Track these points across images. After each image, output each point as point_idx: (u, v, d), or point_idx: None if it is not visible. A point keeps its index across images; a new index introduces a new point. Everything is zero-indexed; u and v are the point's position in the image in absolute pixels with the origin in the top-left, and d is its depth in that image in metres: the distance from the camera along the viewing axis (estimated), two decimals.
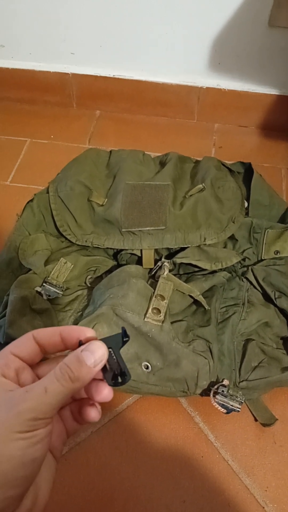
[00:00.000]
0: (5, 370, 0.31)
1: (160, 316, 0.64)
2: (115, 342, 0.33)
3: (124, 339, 0.33)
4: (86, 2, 0.97)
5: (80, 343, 0.32)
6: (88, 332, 0.33)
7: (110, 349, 0.33)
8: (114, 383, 0.32)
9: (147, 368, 0.63)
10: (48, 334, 0.33)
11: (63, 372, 0.30)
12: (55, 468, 0.33)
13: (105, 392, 0.32)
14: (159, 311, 0.64)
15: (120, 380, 0.32)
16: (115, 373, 0.32)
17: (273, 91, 1.05)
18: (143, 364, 0.63)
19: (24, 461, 0.27)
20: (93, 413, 0.34)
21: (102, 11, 0.98)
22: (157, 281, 0.69)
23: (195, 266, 0.74)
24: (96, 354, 0.31)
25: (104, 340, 0.33)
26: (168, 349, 0.62)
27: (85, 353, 0.31)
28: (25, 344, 0.33)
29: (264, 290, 0.72)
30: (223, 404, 0.61)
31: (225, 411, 0.62)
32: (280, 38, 0.96)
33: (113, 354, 0.33)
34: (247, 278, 0.74)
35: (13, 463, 0.27)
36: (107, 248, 0.78)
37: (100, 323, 0.64)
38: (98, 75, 1.09)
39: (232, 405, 0.61)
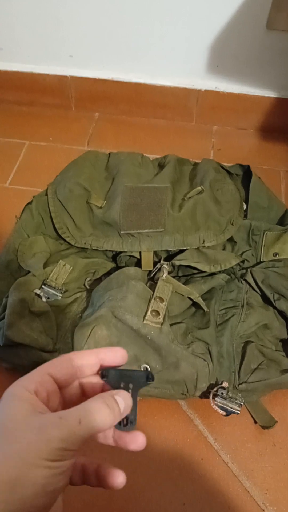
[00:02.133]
0: (39, 388, 0.31)
1: (159, 318, 0.64)
2: (137, 381, 0.34)
3: (148, 382, 0.34)
4: (85, 5, 0.97)
5: (103, 374, 0.33)
6: (120, 351, 0.33)
7: (130, 385, 0.33)
8: (117, 426, 0.32)
9: (146, 370, 0.63)
10: (86, 356, 0.33)
11: (100, 407, 0.29)
12: (62, 501, 0.33)
13: (140, 440, 0.33)
14: (158, 313, 0.64)
15: (124, 425, 0.32)
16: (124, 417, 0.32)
17: (272, 94, 1.06)
18: (142, 366, 0.63)
19: (46, 490, 0.27)
20: (120, 478, 0.33)
21: (100, 14, 0.98)
22: (156, 283, 0.69)
23: (194, 268, 0.74)
24: (126, 403, 0.31)
25: (127, 372, 0.33)
26: (167, 351, 0.62)
27: (118, 398, 0.31)
28: (62, 364, 0.32)
29: (263, 292, 0.72)
30: (222, 407, 0.61)
31: (224, 413, 0.61)
32: (279, 40, 0.96)
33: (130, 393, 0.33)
34: (246, 280, 0.74)
35: (35, 490, 0.26)
36: (106, 250, 0.78)
37: (99, 325, 0.63)
38: (97, 77, 1.10)
39: (231, 408, 0.61)
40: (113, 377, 0.33)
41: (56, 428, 0.27)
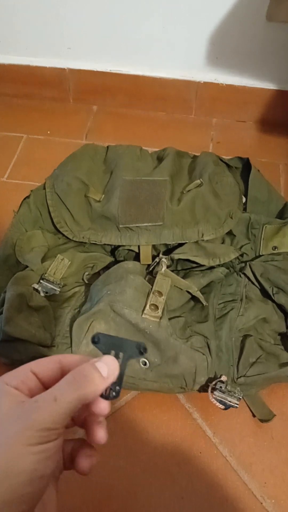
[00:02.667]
0: (20, 385, 0.30)
1: (158, 312, 0.64)
2: (129, 351, 0.33)
3: (140, 354, 0.33)
4: None
5: (94, 339, 0.33)
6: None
7: (121, 354, 0.32)
8: (101, 396, 0.31)
9: (145, 364, 0.63)
10: (76, 362, 0.32)
11: (76, 378, 0.29)
12: (56, 490, 0.33)
13: (99, 436, 0.32)
14: (156, 307, 0.64)
15: (106, 396, 0.31)
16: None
17: (271, 86, 1.05)
18: (141, 360, 0.63)
19: (33, 477, 0.27)
20: (86, 462, 0.32)
21: (99, 6, 0.97)
22: (155, 277, 0.68)
23: (193, 262, 0.74)
24: (110, 366, 0.31)
25: (120, 341, 0.33)
26: (166, 345, 0.62)
27: (99, 363, 0.31)
28: (48, 365, 0.32)
29: (262, 285, 0.72)
30: (221, 400, 0.61)
31: (223, 407, 0.61)
32: (278, 32, 0.95)
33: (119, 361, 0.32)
34: (245, 274, 0.74)
35: (22, 478, 0.26)
36: (105, 244, 0.78)
37: (98, 319, 0.63)
38: (95, 70, 1.09)
39: (230, 401, 0.61)
40: (104, 343, 0.33)
41: (34, 411, 0.28)
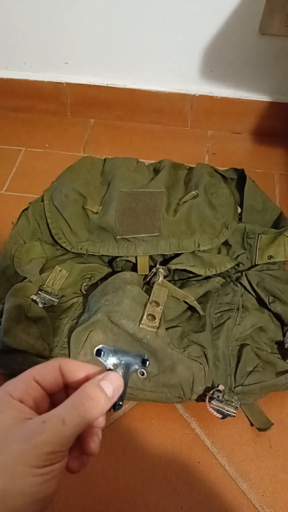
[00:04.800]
0: (24, 396, 0.30)
1: (155, 322, 0.64)
2: (132, 362, 0.33)
3: (143, 366, 0.33)
4: (79, 13, 0.98)
5: (97, 352, 0.32)
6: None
7: (124, 365, 0.33)
8: None
9: (143, 374, 0.63)
10: (76, 369, 0.32)
11: (82, 401, 0.29)
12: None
13: (92, 446, 0.32)
14: (154, 317, 0.65)
15: (111, 408, 0.31)
16: None
17: (265, 98, 1.07)
18: (138, 370, 0.63)
19: (37, 498, 0.26)
20: (75, 463, 0.32)
21: (95, 21, 0.99)
22: (152, 287, 0.69)
23: (190, 272, 0.75)
24: (114, 384, 0.31)
25: (123, 352, 0.33)
26: (164, 355, 0.63)
27: (104, 382, 0.31)
28: (50, 372, 0.32)
29: (258, 295, 0.73)
30: (218, 409, 0.61)
31: (220, 416, 0.62)
32: (271, 45, 0.97)
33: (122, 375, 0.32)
34: (241, 283, 0.75)
35: (26, 500, 0.26)
36: (102, 255, 0.79)
37: (95, 330, 0.64)
38: (92, 84, 1.10)
39: (227, 410, 0.61)
40: (107, 356, 0.33)
41: (41, 433, 0.27)
